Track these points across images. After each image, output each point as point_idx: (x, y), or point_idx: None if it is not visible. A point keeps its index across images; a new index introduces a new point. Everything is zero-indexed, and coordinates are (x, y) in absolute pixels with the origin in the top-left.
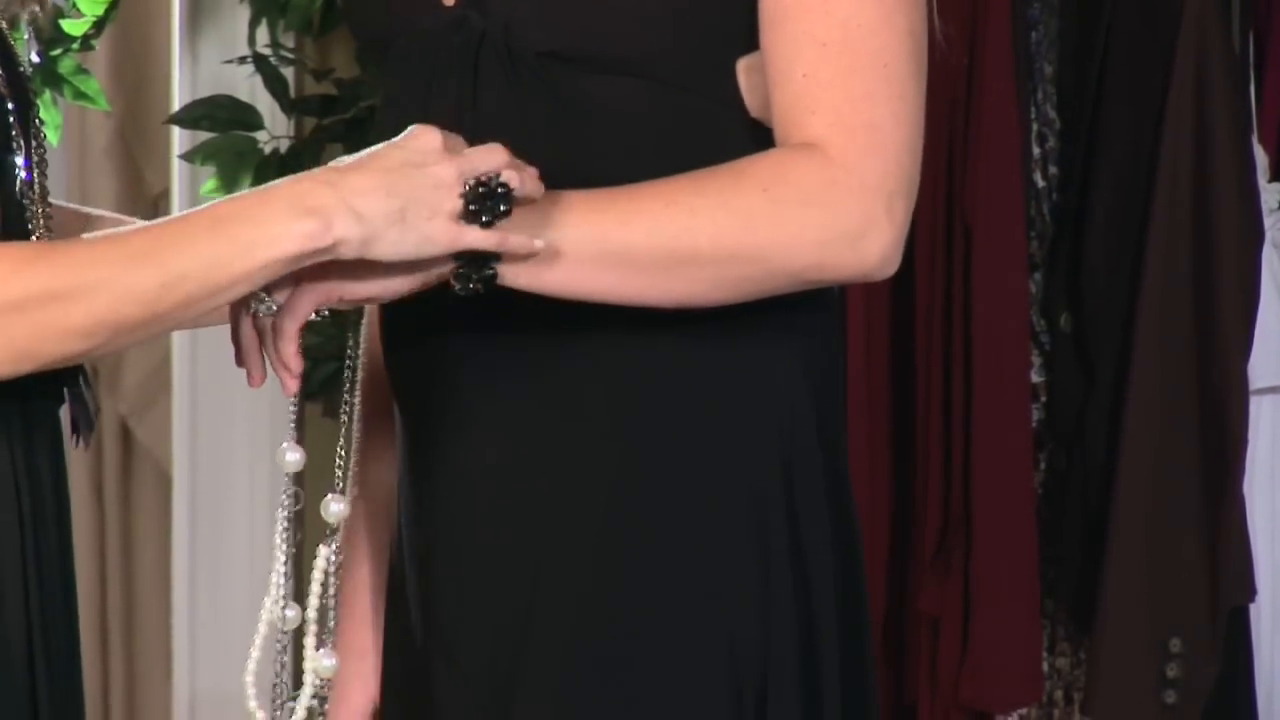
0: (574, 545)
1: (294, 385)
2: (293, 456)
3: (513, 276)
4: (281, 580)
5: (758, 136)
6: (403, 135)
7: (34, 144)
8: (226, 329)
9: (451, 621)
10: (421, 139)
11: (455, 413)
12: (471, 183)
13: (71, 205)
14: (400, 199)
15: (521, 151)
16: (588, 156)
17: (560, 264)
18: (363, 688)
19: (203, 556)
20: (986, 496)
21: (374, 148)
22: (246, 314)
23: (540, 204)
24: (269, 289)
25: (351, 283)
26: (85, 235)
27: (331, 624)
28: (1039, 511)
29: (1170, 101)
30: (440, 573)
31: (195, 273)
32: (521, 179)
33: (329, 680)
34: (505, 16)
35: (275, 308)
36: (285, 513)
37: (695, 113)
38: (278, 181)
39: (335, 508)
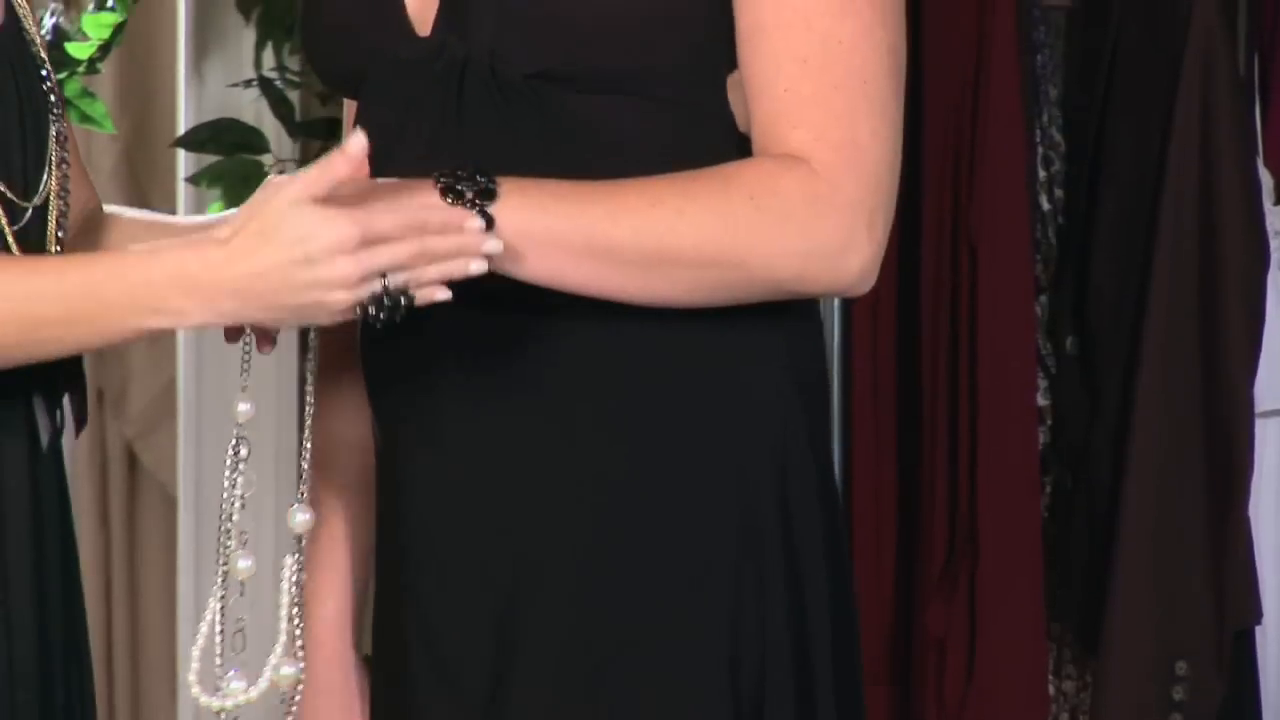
0: (562, 551)
1: (269, 347)
2: (302, 518)
3: (495, 260)
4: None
5: (748, 151)
6: (312, 222)
7: (55, 146)
8: (232, 352)
9: (439, 634)
10: (332, 230)
11: (436, 417)
12: (374, 292)
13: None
14: (276, 312)
15: (514, 174)
16: (582, 176)
17: (544, 252)
18: (342, 697)
19: (207, 579)
20: (992, 518)
21: (277, 232)
22: None
23: (531, 190)
24: None
25: None
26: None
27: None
28: (1045, 534)
29: (1175, 124)
30: (424, 586)
31: (52, 319)
32: (426, 277)
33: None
34: (490, 41)
35: None
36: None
37: (688, 128)
38: (171, 253)
39: (301, 517)
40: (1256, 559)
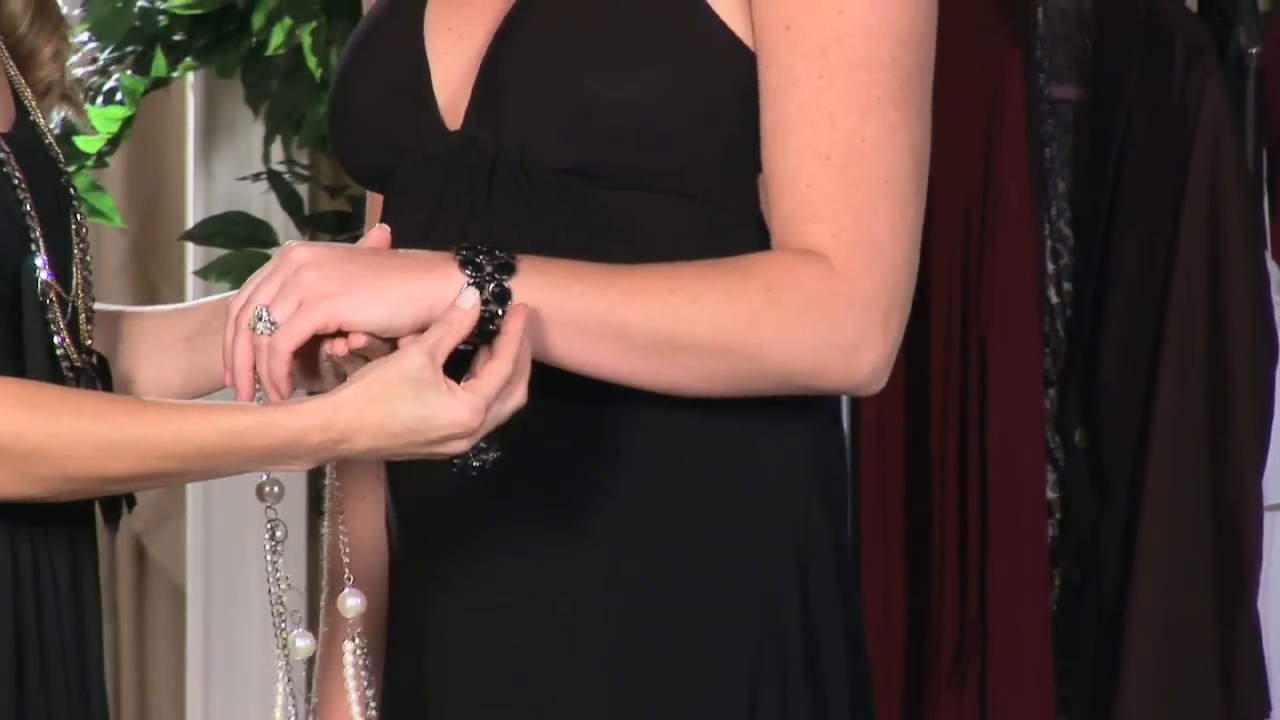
0: (584, 648)
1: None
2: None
3: None
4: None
5: None
6: (433, 408)
7: (76, 239)
8: None
9: None
10: (453, 418)
11: (455, 509)
12: (472, 459)
13: (106, 307)
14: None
15: None
16: None
17: (557, 330)
18: None
19: (216, 672)
20: (1002, 611)
21: (398, 411)
22: (246, 330)
23: (548, 268)
24: (269, 307)
25: (355, 313)
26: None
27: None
28: (1054, 626)
29: (1184, 217)
30: (442, 684)
31: (165, 473)
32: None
33: None
34: (521, 135)
35: (274, 328)
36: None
37: (718, 227)
38: (301, 413)
39: (352, 601)
40: (1265, 652)
